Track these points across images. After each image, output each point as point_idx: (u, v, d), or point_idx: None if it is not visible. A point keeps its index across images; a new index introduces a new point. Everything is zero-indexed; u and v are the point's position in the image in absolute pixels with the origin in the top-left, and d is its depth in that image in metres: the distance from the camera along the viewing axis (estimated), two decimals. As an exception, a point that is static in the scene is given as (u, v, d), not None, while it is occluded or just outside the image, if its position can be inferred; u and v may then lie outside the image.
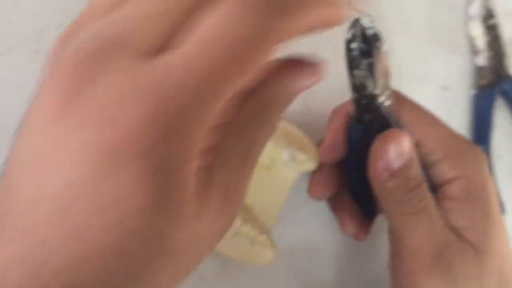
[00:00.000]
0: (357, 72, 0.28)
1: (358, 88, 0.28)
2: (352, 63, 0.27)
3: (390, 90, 0.29)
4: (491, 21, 0.45)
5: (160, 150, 0.15)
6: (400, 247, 0.29)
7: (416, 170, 0.29)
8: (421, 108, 0.33)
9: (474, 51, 0.45)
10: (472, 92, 0.45)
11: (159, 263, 0.16)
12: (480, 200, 0.30)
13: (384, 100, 0.29)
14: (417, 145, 0.31)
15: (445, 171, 0.30)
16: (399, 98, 0.32)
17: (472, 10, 0.44)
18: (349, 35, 0.27)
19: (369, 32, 0.27)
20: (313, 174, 0.34)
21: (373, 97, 0.28)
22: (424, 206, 0.29)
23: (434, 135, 0.31)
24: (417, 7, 0.42)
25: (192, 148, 0.16)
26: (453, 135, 0.32)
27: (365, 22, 0.27)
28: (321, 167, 0.33)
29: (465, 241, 0.29)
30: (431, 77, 0.43)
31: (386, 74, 0.28)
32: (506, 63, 0.45)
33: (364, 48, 0.27)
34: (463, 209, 0.29)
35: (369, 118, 0.29)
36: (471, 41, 0.45)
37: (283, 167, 0.32)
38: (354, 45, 0.27)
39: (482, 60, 0.45)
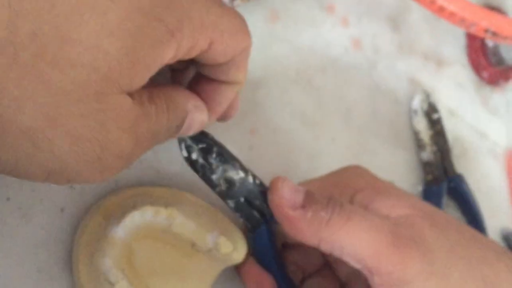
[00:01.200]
0: (215, 177, 0.28)
1: (229, 189, 0.28)
2: (205, 174, 0.28)
3: (249, 170, 0.29)
4: (434, 116, 0.44)
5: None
6: (361, 263, 0.27)
7: (317, 194, 0.28)
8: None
9: (419, 146, 0.44)
10: (419, 188, 0.44)
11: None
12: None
13: (253, 180, 0.29)
14: None
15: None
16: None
17: (415, 104, 0.44)
18: (184, 153, 0.28)
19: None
20: (246, 277, 0.31)
21: (244, 181, 0.28)
22: (349, 209, 0.27)
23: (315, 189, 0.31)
24: (360, 96, 0.42)
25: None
26: (325, 180, 0.33)
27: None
28: (251, 265, 0.31)
29: (407, 217, 0.28)
30: (375, 169, 0.41)
31: (234, 156, 0.28)
32: (452, 159, 0.44)
33: (203, 148, 0.27)
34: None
35: (259, 214, 0.29)
36: (415, 135, 0.44)
37: (205, 255, 0.29)
38: (194, 156, 0.27)
39: (427, 155, 0.44)
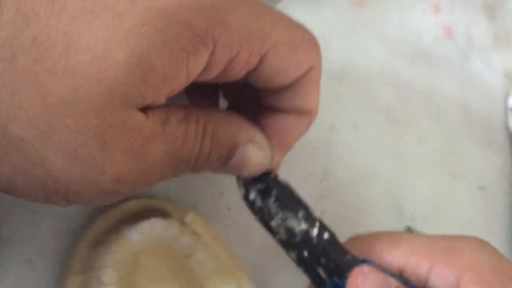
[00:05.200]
0: (274, 223, 0.24)
1: (290, 240, 0.24)
2: (263, 219, 0.24)
3: (318, 220, 0.24)
4: (534, 116, 0.40)
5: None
6: None
7: None
8: (381, 233, 0.27)
9: (515, 149, 0.39)
10: (513, 196, 0.39)
11: None
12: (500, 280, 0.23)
13: (318, 233, 0.24)
14: (401, 271, 0.25)
15: (444, 277, 0.24)
16: (352, 241, 0.26)
17: (511, 102, 0.39)
18: (241, 191, 0.24)
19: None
20: None
21: (307, 235, 0.24)
22: None
23: (412, 247, 0.25)
24: (450, 92, 0.38)
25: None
26: (431, 240, 0.26)
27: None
28: None
29: None
30: (465, 174, 0.38)
31: (300, 201, 0.24)
32: (553, 165, 0.40)
33: (262, 188, 0.24)
34: None
35: (326, 270, 0.24)
36: (511, 137, 0.40)
37: None
38: (251, 196, 0.24)
39: (524, 159, 0.39)
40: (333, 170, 0.33)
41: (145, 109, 0.19)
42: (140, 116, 0.18)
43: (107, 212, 0.25)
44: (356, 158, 0.34)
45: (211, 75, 0.20)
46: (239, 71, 0.20)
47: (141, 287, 0.25)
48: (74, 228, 0.25)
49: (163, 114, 0.19)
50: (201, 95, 0.26)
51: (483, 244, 0.25)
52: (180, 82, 0.19)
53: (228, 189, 0.30)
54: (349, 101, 0.34)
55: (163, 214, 0.25)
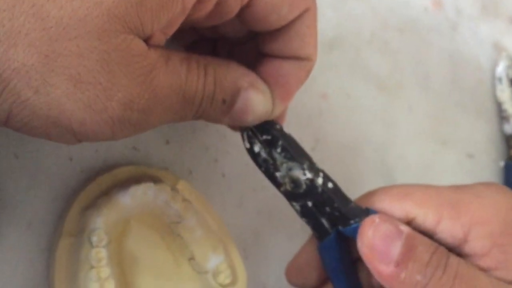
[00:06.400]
0: (280, 174, 0.24)
1: (295, 190, 0.24)
2: (268, 170, 0.24)
3: (321, 170, 0.24)
4: (521, 85, 0.40)
5: None
6: None
7: (421, 239, 0.23)
8: (391, 186, 0.27)
9: (502, 117, 0.40)
10: (501, 163, 0.40)
11: None
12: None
13: (323, 182, 0.24)
14: (410, 223, 0.25)
15: (452, 232, 0.24)
16: (361, 196, 0.26)
17: (499, 71, 0.40)
18: (246, 144, 0.24)
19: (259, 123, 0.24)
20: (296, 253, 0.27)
21: (312, 183, 0.24)
22: (455, 269, 0.22)
23: (419, 200, 0.25)
24: (439, 61, 0.38)
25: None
26: (440, 192, 0.25)
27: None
28: (306, 248, 0.27)
29: None
30: (454, 142, 0.38)
31: (304, 152, 0.24)
32: (539, 133, 0.40)
33: (267, 140, 0.24)
34: (495, 258, 0.23)
35: (329, 222, 0.25)
36: (498, 105, 0.40)
37: (197, 276, 0.26)
38: (256, 148, 0.24)
39: (511, 127, 0.40)
40: (325, 138, 0.33)
41: (147, 40, 0.19)
42: (142, 44, 0.18)
43: (100, 177, 0.25)
44: (347, 126, 0.35)
45: (206, 9, 0.20)
46: (232, 6, 0.21)
47: (131, 250, 0.25)
48: (71, 193, 0.26)
49: (165, 52, 0.20)
50: (198, 51, 0.26)
51: (492, 192, 0.25)
52: (177, 11, 0.19)
53: (222, 156, 0.30)
54: (341, 69, 0.35)
55: (155, 180, 0.25)
